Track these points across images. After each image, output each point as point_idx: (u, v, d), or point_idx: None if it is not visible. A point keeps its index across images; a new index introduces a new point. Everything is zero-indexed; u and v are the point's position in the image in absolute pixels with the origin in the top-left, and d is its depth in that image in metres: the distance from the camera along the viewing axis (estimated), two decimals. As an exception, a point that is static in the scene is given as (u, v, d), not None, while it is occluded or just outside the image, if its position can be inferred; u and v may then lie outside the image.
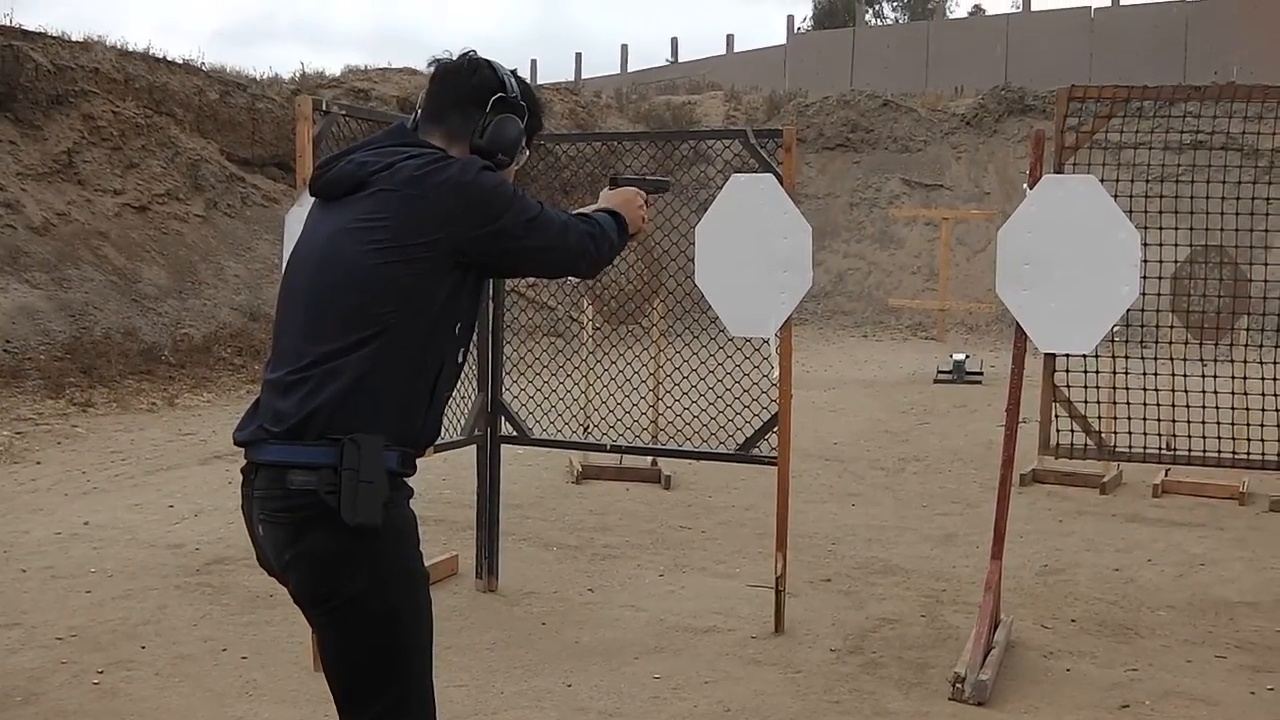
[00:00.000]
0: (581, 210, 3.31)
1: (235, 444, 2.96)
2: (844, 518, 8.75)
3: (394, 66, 24.34)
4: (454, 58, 3.16)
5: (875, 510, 9.05)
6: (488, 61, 3.15)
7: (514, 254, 3.01)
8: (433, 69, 3.18)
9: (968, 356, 17.14)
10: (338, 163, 3.04)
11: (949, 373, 16.42)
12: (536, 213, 3.02)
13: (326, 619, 2.89)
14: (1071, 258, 5.46)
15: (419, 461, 3.00)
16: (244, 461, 2.96)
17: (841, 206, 26.51)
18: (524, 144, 3.18)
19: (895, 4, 54.44)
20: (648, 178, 3.51)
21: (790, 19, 39.56)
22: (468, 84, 3.11)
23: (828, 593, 6.85)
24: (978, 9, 51.71)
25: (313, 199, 3.11)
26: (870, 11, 51.03)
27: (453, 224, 2.88)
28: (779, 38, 40.19)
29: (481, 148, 3.07)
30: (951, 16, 45.09)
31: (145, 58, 18.13)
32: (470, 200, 2.90)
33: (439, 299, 2.90)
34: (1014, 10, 39.75)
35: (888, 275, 25.26)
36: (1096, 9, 33.23)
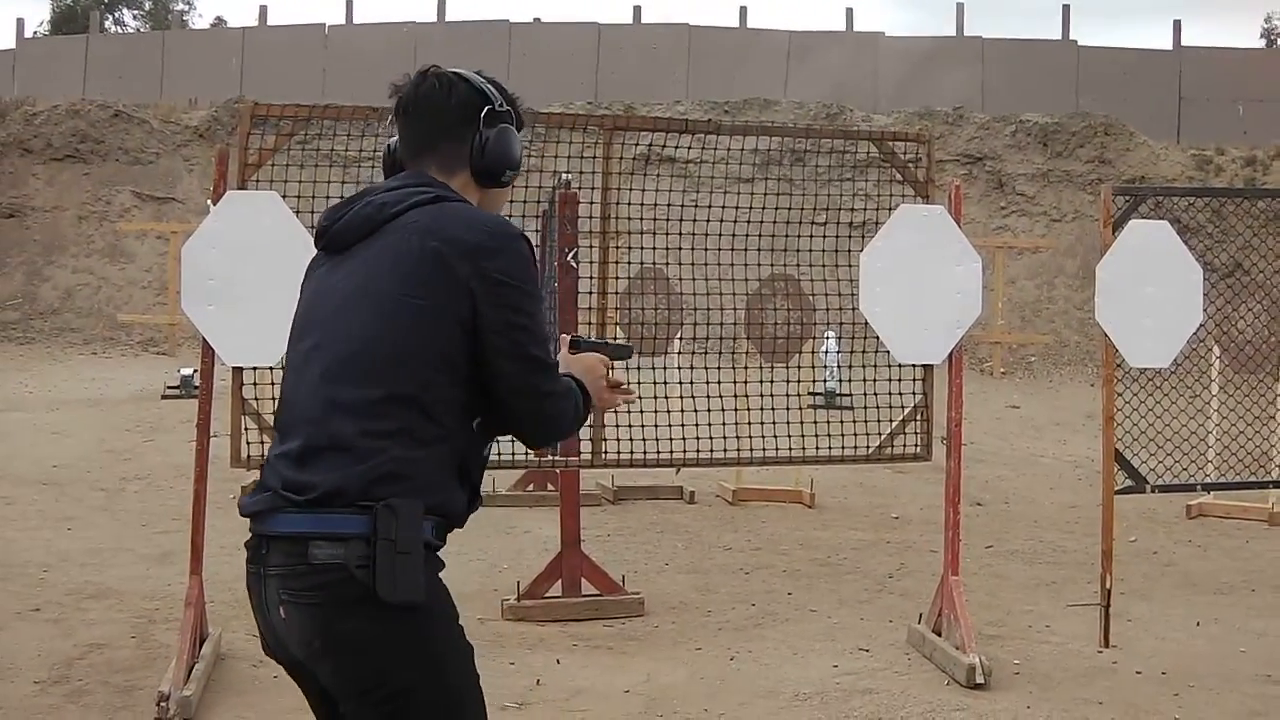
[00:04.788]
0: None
1: (242, 515, 2.60)
2: (59, 543, 8.38)
3: None
4: (414, 81, 2.74)
5: (92, 533, 8.75)
6: (456, 74, 2.74)
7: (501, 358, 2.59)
8: (394, 103, 2.76)
9: (196, 370, 16.89)
10: (350, 208, 2.68)
11: (177, 388, 16.00)
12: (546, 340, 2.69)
13: (374, 715, 2.50)
14: (256, 274, 5.53)
15: None
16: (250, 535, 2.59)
17: (70, 220, 25.15)
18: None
19: (136, 12, 52.87)
20: (610, 343, 3.06)
21: (20, 22, 37.38)
22: (447, 106, 2.70)
23: (36, 623, 6.56)
24: (220, 20, 51.34)
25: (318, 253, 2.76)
26: (111, 18, 49.26)
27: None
28: (9, 41, 37.98)
29: (486, 169, 2.71)
30: (194, 28, 44.52)
31: None
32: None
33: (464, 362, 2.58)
34: (252, 24, 39.78)
35: (118, 290, 24.26)
36: (331, 26, 34.03)
